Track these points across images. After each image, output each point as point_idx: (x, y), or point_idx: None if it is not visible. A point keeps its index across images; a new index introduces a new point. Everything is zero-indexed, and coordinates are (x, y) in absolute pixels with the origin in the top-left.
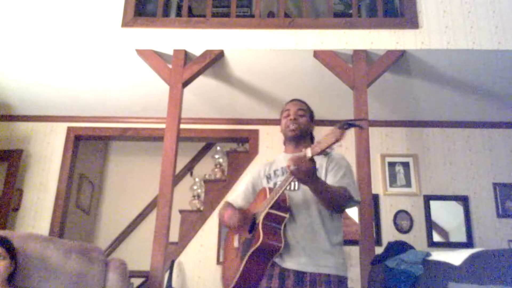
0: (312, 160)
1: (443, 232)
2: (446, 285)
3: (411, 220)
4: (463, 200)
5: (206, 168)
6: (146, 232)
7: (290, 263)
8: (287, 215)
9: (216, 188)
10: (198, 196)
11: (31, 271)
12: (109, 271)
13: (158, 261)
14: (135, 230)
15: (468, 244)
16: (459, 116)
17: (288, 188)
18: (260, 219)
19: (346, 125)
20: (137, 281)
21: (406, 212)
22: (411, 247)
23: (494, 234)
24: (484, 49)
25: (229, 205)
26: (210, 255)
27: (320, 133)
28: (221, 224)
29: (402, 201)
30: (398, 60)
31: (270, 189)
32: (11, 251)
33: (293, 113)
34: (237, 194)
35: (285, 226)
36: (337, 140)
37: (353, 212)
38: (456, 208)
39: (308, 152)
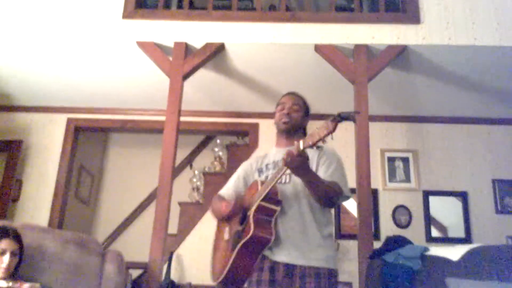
0: (304, 152)
1: (441, 228)
2: (443, 280)
3: (410, 215)
4: (462, 196)
5: (205, 161)
6: (145, 223)
7: (280, 256)
8: (278, 208)
9: (216, 181)
10: (198, 189)
11: (28, 261)
12: (105, 262)
13: (156, 252)
14: (134, 222)
15: (467, 240)
16: (459, 112)
17: (279, 181)
18: (252, 211)
19: (339, 117)
20: (135, 273)
21: (405, 207)
22: (410, 242)
23: (492, 230)
24: (485, 45)
25: (220, 197)
26: (209, 247)
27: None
28: (214, 217)
29: (401, 196)
30: (399, 55)
31: (262, 182)
32: (22, 247)
33: (287, 107)
34: (228, 187)
35: (276, 219)
36: (329, 133)
37: (352, 207)
38: (455, 204)
39: (301, 144)
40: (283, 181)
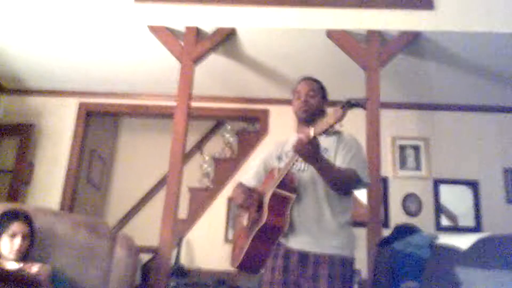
0: (315, 139)
1: (451, 217)
2: (453, 269)
3: (420, 204)
4: (473, 185)
5: (216, 146)
6: (156, 208)
7: (295, 243)
8: (293, 196)
9: (226, 167)
10: (208, 174)
11: (39, 244)
12: (116, 246)
13: (166, 237)
14: (145, 206)
15: (477, 229)
16: (472, 100)
17: (296, 168)
18: (267, 198)
19: (348, 104)
20: (146, 257)
21: (415, 195)
22: (419, 230)
23: (503, 219)
24: (500, 32)
25: (240, 185)
26: (218, 232)
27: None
28: (234, 204)
29: (411, 184)
30: (412, 41)
31: (279, 170)
32: (33, 230)
33: (303, 94)
34: (249, 175)
35: (291, 206)
36: (337, 120)
37: (361, 194)
38: (466, 193)
39: (311, 132)
40: (300, 168)
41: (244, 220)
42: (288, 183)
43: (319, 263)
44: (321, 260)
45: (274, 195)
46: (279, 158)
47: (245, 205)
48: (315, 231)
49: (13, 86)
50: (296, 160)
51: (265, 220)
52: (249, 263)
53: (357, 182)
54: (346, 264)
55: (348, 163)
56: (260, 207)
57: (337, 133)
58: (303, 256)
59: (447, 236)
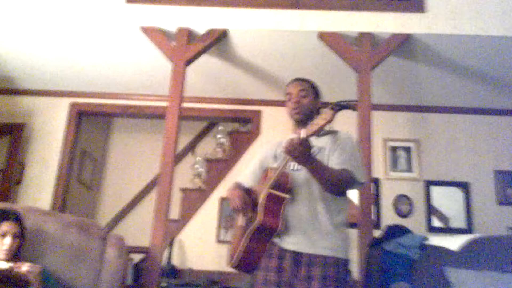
0: (306, 140)
1: (442, 218)
2: (442, 270)
3: (411, 205)
4: (464, 187)
5: (208, 147)
6: (148, 208)
7: (288, 243)
8: (287, 196)
9: (218, 168)
10: (200, 175)
11: (30, 244)
12: (107, 246)
13: (158, 237)
14: (137, 207)
15: (468, 230)
16: (463, 102)
17: (291, 168)
18: (261, 199)
19: (338, 106)
20: (137, 257)
21: (406, 196)
22: (409, 231)
23: (493, 221)
24: (490, 35)
25: (236, 185)
26: (210, 233)
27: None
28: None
29: (402, 185)
30: (403, 43)
31: (273, 169)
32: (23, 230)
33: (295, 95)
34: (246, 175)
35: (285, 207)
36: (327, 122)
37: (353, 195)
38: (457, 194)
39: (303, 133)
40: (295, 168)
41: (240, 219)
42: (282, 183)
43: (313, 264)
44: (315, 261)
45: (268, 195)
46: (275, 158)
47: (239, 210)
48: (309, 232)
49: (4, 86)
50: (288, 161)
51: (259, 220)
52: (244, 263)
53: (352, 183)
54: (340, 265)
55: (343, 163)
56: (255, 206)
57: (333, 132)
58: (297, 257)
59: (438, 237)
